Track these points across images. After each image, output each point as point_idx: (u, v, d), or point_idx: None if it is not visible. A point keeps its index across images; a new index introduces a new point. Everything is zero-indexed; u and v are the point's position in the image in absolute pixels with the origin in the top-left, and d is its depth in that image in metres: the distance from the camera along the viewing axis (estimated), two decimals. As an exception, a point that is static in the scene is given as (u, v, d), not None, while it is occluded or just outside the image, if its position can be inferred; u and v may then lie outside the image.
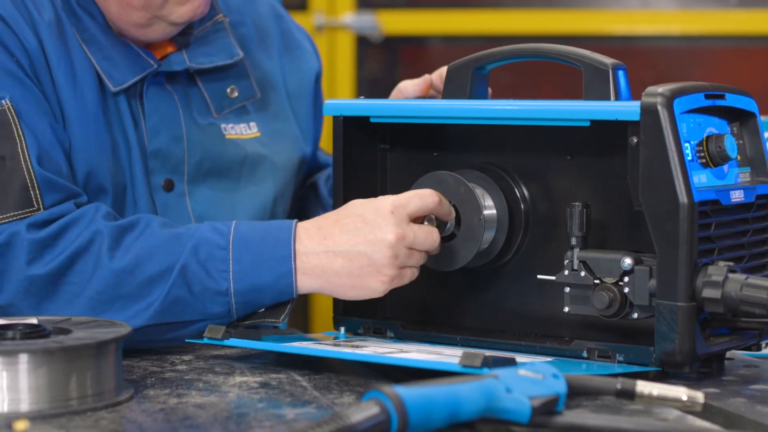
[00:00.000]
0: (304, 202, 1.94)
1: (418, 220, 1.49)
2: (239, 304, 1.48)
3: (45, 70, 1.59)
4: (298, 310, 3.47)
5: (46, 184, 1.51)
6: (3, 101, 1.53)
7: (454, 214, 1.49)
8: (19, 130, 1.52)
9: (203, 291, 1.47)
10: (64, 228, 1.49)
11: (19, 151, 1.51)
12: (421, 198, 1.47)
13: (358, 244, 1.46)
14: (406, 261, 1.47)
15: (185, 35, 1.71)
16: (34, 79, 1.58)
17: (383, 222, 1.46)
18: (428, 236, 1.47)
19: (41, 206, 1.50)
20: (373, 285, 1.47)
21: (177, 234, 1.49)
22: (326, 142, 1.83)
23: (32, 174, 1.51)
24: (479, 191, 1.50)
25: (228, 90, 1.76)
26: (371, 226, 1.46)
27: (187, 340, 1.51)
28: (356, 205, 1.50)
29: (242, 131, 1.77)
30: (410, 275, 1.48)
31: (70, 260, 1.47)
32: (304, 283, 1.48)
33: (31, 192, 1.50)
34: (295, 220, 1.51)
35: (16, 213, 1.49)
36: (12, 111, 1.53)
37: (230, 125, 1.76)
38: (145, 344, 1.51)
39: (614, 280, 1.39)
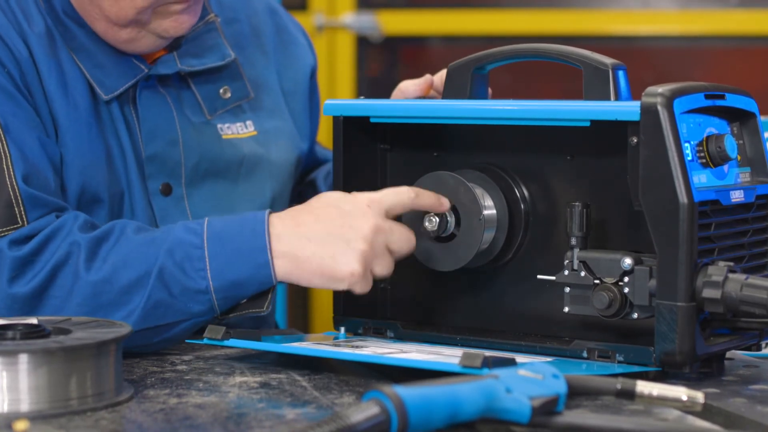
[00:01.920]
0: (303, 199, 1.93)
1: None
2: (221, 300, 1.47)
3: (36, 81, 1.59)
4: (298, 310, 3.47)
5: (31, 201, 1.50)
6: None
7: (446, 205, 1.49)
8: (5, 146, 1.52)
9: (183, 291, 1.46)
10: (43, 242, 1.48)
11: (4, 167, 1.51)
12: (397, 194, 1.47)
13: (333, 233, 1.45)
14: (378, 260, 1.45)
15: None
16: (25, 92, 1.57)
17: (359, 213, 1.45)
18: (403, 235, 1.47)
19: (25, 222, 1.50)
20: (340, 274, 1.45)
21: (151, 238, 1.49)
22: (326, 141, 1.83)
23: (17, 191, 1.50)
24: (479, 191, 1.50)
25: (221, 91, 1.75)
26: (347, 217, 1.46)
27: (187, 341, 1.51)
28: (332, 197, 1.49)
29: (239, 130, 1.76)
30: (370, 285, 1.46)
31: (51, 275, 1.47)
32: (278, 268, 1.47)
33: (16, 209, 1.49)
34: (268, 210, 1.50)
35: (0, 230, 1.49)
36: None
37: (226, 125, 1.75)
38: (134, 350, 1.50)
39: (614, 280, 1.39)
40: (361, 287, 1.46)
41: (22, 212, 1.50)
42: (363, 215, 1.45)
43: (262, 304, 1.49)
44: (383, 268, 1.47)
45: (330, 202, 1.48)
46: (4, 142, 1.52)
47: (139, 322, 1.46)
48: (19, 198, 1.50)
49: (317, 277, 1.46)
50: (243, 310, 1.49)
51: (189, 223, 1.50)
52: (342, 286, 1.46)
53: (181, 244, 1.47)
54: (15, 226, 1.49)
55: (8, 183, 1.50)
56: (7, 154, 1.51)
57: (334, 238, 1.45)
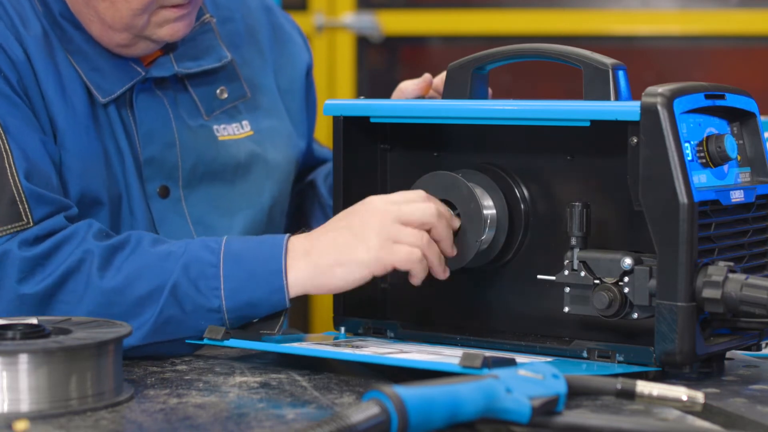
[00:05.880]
0: (302, 200, 1.93)
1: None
2: (232, 319, 1.47)
3: (34, 85, 1.58)
4: (298, 310, 3.47)
5: (35, 198, 1.50)
6: None
7: (456, 224, 1.50)
8: (6, 144, 1.51)
9: (195, 309, 1.46)
10: (56, 246, 1.48)
11: (6, 165, 1.50)
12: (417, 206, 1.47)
13: (344, 226, 1.47)
14: (398, 234, 1.45)
15: None
16: (23, 95, 1.57)
17: (368, 209, 1.47)
18: (422, 209, 1.46)
19: (30, 220, 1.49)
20: (359, 256, 1.45)
21: (168, 252, 1.48)
22: (326, 141, 1.82)
23: (20, 188, 1.50)
24: (479, 191, 1.50)
25: (218, 91, 1.75)
26: (357, 211, 1.47)
27: (187, 341, 1.50)
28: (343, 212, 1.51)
29: (235, 131, 1.76)
30: (406, 253, 1.45)
31: (62, 280, 1.47)
32: (294, 273, 1.46)
33: (20, 206, 1.49)
34: (287, 235, 1.50)
35: (5, 228, 1.48)
36: None
37: (222, 126, 1.75)
38: (140, 353, 1.50)
39: (614, 280, 1.39)
40: (385, 259, 1.45)
41: (27, 209, 1.49)
42: (371, 211, 1.46)
43: (273, 326, 1.49)
44: (409, 235, 1.45)
45: (339, 214, 1.50)
46: (5, 141, 1.51)
47: (149, 336, 1.46)
48: (22, 195, 1.50)
49: (336, 267, 1.46)
50: (254, 330, 1.50)
51: (207, 240, 1.50)
52: (366, 270, 1.45)
53: (197, 261, 1.47)
54: (20, 223, 1.49)
55: (11, 180, 1.50)
56: (9, 153, 1.51)
57: (345, 227, 1.46)
